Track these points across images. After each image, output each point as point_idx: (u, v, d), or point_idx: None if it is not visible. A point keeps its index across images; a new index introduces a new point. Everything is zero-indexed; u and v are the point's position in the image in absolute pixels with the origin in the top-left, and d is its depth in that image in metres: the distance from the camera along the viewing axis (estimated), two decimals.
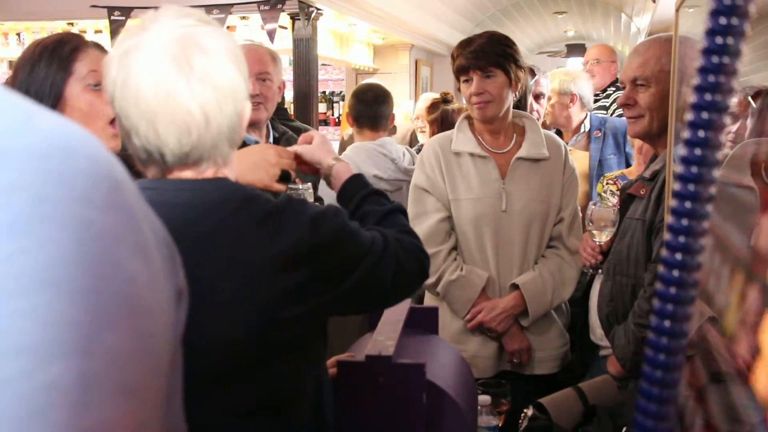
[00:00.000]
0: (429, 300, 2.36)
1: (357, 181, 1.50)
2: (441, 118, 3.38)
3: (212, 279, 1.10)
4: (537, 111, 3.17)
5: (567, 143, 3.25)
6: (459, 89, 2.30)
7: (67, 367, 0.30)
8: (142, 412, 0.34)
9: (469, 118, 2.31)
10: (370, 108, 3.00)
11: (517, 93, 2.26)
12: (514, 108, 2.33)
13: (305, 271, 1.15)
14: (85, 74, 1.61)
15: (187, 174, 1.14)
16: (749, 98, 1.57)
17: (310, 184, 2.27)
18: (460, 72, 2.23)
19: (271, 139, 2.36)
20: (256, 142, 2.22)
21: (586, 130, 3.33)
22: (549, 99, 3.32)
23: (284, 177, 1.55)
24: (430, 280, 2.23)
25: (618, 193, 2.59)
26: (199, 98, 1.06)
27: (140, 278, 0.35)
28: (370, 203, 1.45)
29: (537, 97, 3.21)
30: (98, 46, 1.71)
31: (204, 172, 1.15)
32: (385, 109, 3.03)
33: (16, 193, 0.30)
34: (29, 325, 0.29)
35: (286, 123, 2.89)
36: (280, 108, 3.00)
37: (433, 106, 3.53)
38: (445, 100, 3.48)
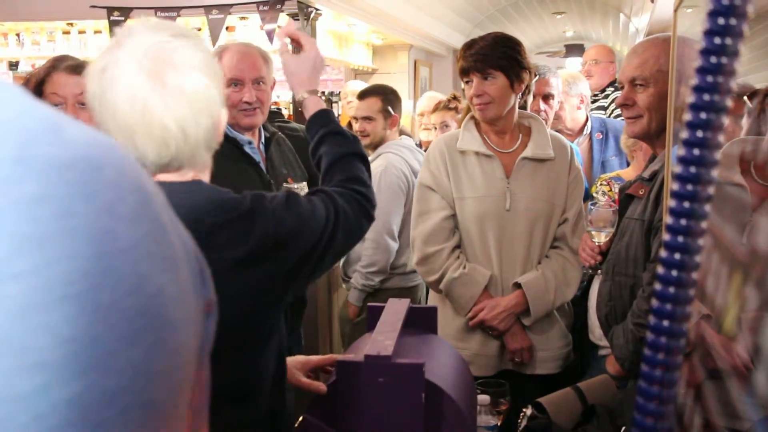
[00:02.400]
0: (433, 298, 2.37)
1: (321, 117, 1.59)
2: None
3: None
4: (545, 111, 3.07)
5: None
6: (464, 89, 2.33)
7: (88, 383, 0.29)
8: (166, 430, 0.34)
9: (475, 117, 2.33)
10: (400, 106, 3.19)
11: (521, 94, 2.27)
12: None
13: (273, 261, 1.24)
14: (47, 96, 1.85)
15: (169, 177, 1.19)
16: (745, 98, 1.57)
17: (305, 183, 2.29)
18: (462, 74, 2.27)
19: (262, 139, 2.38)
20: (249, 143, 2.24)
21: (588, 131, 3.32)
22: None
23: None
24: (434, 277, 2.25)
25: (609, 192, 2.61)
26: (175, 113, 1.11)
27: (167, 292, 0.34)
28: (329, 143, 1.53)
29: (546, 97, 3.15)
30: (70, 69, 1.89)
31: (185, 175, 1.20)
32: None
33: (40, 205, 0.30)
34: (49, 340, 0.28)
35: (282, 124, 2.89)
36: (273, 111, 3.02)
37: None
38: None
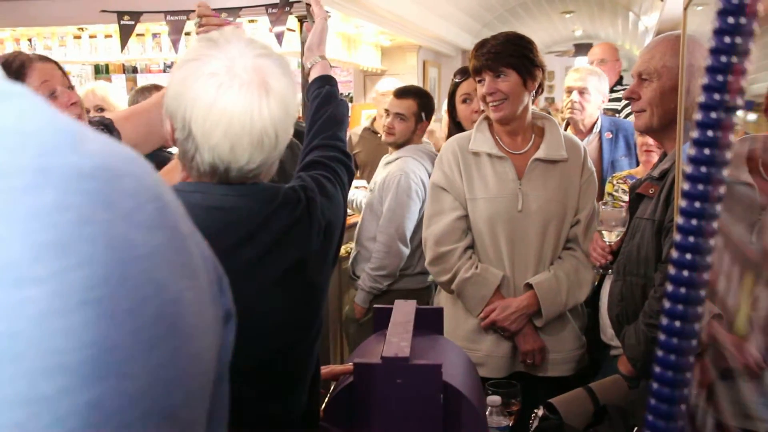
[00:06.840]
0: (445, 298, 2.36)
1: (317, 81, 1.74)
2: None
3: (280, 272, 1.28)
4: (579, 102, 3.31)
5: None
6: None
7: (107, 387, 0.30)
8: None
9: (488, 118, 2.32)
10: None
11: (534, 92, 2.27)
12: None
13: (326, 247, 1.36)
14: (38, 87, 1.66)
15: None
16: None
17: None
18: (475, 73, 2.27)
19: None
20: None
21: (598, 130, 3.31)
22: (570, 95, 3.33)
23: None
24: (446, 277, 2.25)
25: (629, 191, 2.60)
26: (276, 121, 1.19)
27: (185, 299, 0.35)
28: (322, 100, 1.66)
29: (581, 91, 3.29)
30: (43, 59, 1.76)
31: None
32: None
33: (60, 213, 0.30)
34: (69, 343, 0.29)
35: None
36: None
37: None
38: None
